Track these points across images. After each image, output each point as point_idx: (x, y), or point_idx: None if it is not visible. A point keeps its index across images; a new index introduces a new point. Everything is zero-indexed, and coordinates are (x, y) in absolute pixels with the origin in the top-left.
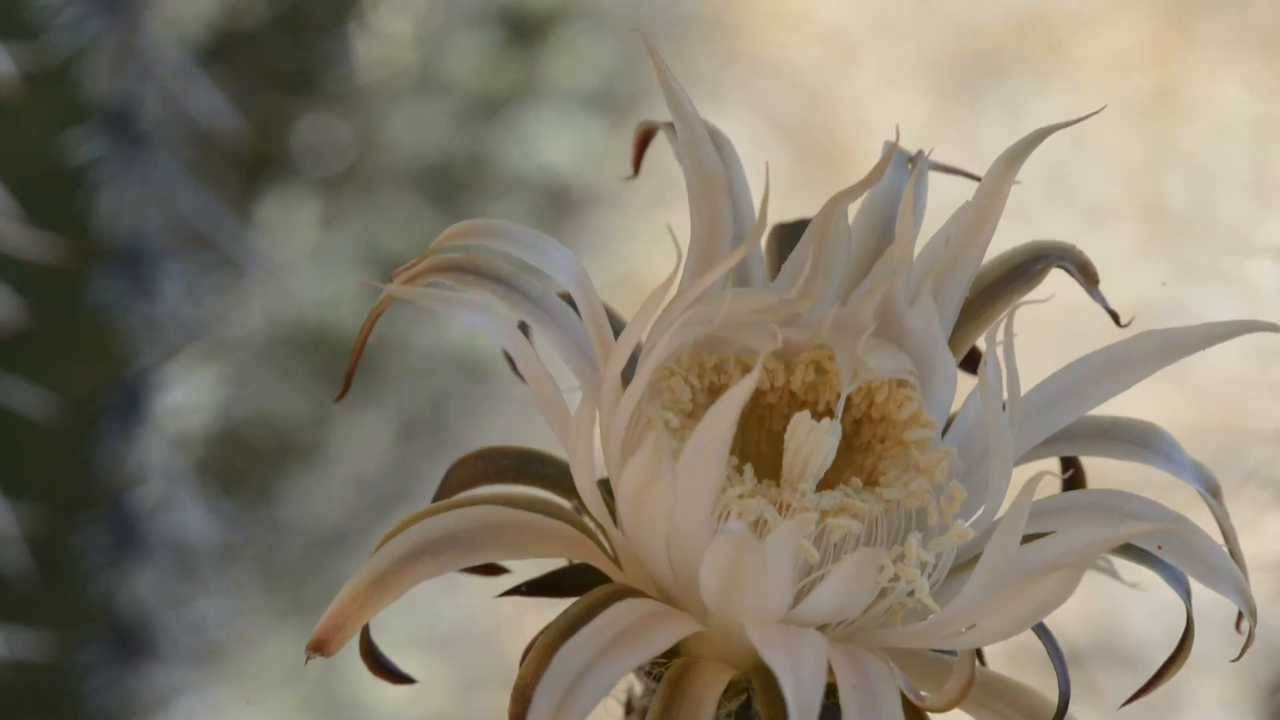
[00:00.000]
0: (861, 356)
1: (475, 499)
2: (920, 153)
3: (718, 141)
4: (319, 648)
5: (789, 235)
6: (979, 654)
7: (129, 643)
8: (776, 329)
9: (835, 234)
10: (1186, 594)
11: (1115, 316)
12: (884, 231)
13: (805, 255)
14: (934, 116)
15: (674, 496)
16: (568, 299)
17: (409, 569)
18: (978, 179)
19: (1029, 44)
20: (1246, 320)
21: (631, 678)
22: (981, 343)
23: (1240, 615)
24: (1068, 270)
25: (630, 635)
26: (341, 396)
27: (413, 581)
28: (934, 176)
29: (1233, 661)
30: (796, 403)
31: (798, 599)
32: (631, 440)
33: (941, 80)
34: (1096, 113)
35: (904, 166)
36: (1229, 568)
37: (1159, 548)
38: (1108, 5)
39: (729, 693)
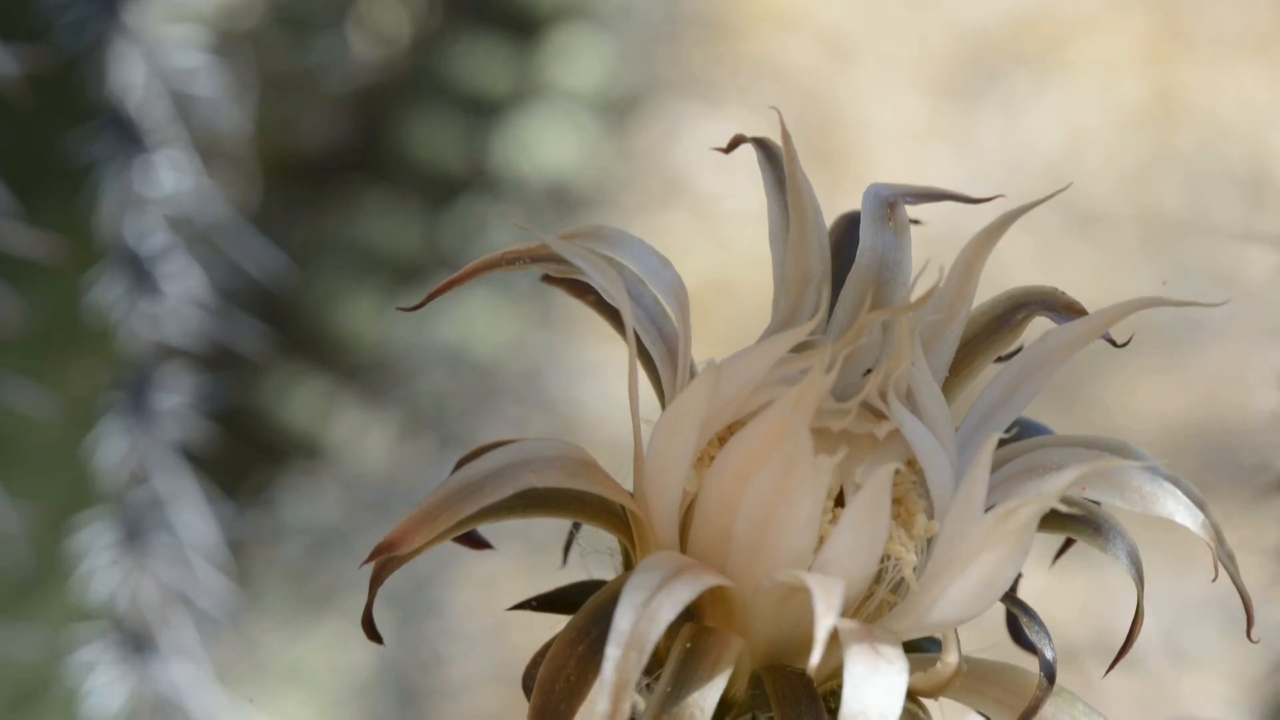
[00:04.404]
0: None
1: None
2: (899, 200)
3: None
4: (398, 541)
5: (857, 225)
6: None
7: (130, 642)
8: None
9: (865, 345)
10: (1133, 563)
11: (1113, 341)
12: (873, 283)
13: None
14: (931, 117)
15: (797, 451)
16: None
17: (513, 476)
18: (965, 200)
19: (1026, 45)
20: (1136, 299)
21: (636, 696)
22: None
23: (1250, 622)
24: (1052, 318)
25: (691, 566)
26: (411, 309)
27: (514, 488)
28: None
29: (1213, 581)
30: None
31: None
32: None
33: (939, 81)
34: (1063, 190)
35: (884, 218)
36: (1165, 489)
37: (1083, 489)
38: (1105, 7)
39: (735, 712)
